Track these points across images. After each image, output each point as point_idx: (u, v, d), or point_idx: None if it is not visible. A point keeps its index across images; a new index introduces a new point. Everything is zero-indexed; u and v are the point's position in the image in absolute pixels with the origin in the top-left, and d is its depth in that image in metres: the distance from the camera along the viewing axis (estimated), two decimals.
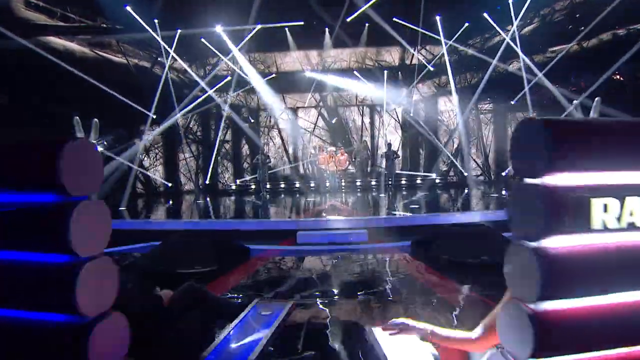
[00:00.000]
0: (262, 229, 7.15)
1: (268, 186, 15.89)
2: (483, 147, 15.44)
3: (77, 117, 2.63)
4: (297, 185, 15.26)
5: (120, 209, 9.81)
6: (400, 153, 13.41)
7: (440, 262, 5.07)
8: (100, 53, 12.94)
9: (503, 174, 14.73)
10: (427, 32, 14.28)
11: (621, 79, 13.16)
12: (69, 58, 10.75)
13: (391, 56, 17.20)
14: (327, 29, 15.57)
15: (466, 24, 15.11)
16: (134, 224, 6.95)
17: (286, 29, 15.36)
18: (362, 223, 6.99)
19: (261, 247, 6.33)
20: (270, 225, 7.22)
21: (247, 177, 16.26)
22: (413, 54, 17.23)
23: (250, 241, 6.47)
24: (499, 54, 13.31)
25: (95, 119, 2.64)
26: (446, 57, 14.28)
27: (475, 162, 15.85)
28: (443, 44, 14.03)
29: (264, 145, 17.24)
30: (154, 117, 14.09)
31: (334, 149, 12.71)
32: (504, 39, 14.93)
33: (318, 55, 17.16)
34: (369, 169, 16.80)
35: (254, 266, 5.35)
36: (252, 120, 17.46)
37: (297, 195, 13.66)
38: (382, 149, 17.71)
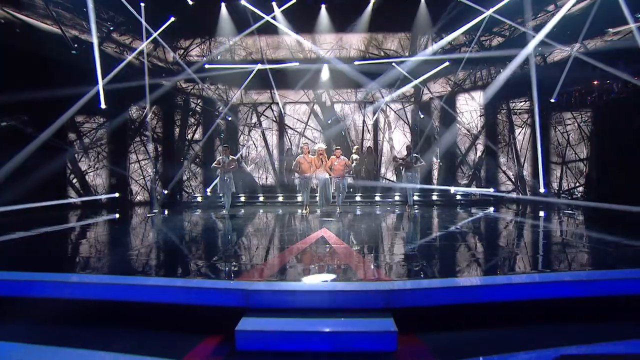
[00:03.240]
0: (164, 301, 3.18)
1: (242, 199, 12.02)
2: (516, 156, 11.67)
3: None
4: (280, 199, 11.45)
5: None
6: (423, 160, 9.51)
7: None
8: (19, 16, 9.12)
9: (542, 190, 10.96)
10: None
11: None
12: None
13: (400, 44, 13.50)
14: (323, 5, 11.85)
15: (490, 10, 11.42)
16: None
17: (274, 3, 11.50)
18: (382, 298, 3.13)
19: None
20: (185, 296, 3.23)
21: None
22: (426, 43, 13.56)
23: (124, 341, 2.63)
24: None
25: None
26: None
27: (505, 174, 12.05)
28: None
29: (243, 147, 13.44)
30: (104, 107, 10.26)
31: (324, 146, 8.59)
32: (538, 24, 11.35)
33: (312, 41, 13.43)
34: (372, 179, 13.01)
35: None
36: (230, 118, 13.64)
37: (278, 213, 9.79)
38: (387, 155, 13.94)
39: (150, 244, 5.44)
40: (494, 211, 9.72)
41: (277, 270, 3.75)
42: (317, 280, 3.46)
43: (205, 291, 3.09)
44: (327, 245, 4.83)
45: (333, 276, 3.57)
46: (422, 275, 3.54)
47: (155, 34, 10.62)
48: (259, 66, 12.62)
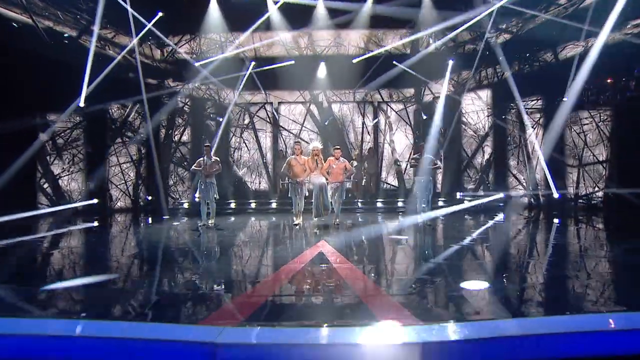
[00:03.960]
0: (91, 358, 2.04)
1: (233, 205, 10.98)
2: (527, 158, 10.75)
3: None
4: (274, 205, 10.44)
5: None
6: (440, 163, 8.46)
7: None
8: None
9: (556, 195, 9.99)
10: None
11: None
12: None
13: (400, 41, 12.59)
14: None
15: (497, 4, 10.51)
16: None
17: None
18: (412, 355, 2.10)
19: None
20: (120, 350, 2.06)
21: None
22: (429, 40, 12.63)
23: None
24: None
25: None
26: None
27: (516, 178, 11.12)
28: None
29: (234, 150, 12.44)
30: (82, 105, 9.24)
31: (319, 145, 7.43)
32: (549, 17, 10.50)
33: (308, 38, 12.52)
34: (372, 185, 12.04)
35: None
36: (220, 119, 12.64)
37: (271, 221, 8.79)
38: (388, 158, 12.99)
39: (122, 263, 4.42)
40: (503, 218, 8.79)
41: (259, 309, 2.73)
42: (316, 325, 2.46)
43: (149, 344, 2.09)
44: (327, 266, 3.84)
45: (338, 315, 2.57)
46: (471, 314, 2.55)
47: (149, 25, 9.66)
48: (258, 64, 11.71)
